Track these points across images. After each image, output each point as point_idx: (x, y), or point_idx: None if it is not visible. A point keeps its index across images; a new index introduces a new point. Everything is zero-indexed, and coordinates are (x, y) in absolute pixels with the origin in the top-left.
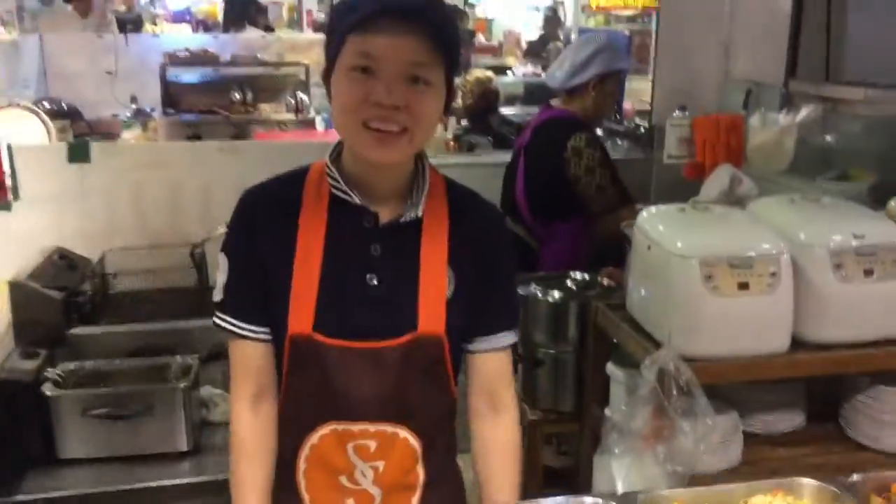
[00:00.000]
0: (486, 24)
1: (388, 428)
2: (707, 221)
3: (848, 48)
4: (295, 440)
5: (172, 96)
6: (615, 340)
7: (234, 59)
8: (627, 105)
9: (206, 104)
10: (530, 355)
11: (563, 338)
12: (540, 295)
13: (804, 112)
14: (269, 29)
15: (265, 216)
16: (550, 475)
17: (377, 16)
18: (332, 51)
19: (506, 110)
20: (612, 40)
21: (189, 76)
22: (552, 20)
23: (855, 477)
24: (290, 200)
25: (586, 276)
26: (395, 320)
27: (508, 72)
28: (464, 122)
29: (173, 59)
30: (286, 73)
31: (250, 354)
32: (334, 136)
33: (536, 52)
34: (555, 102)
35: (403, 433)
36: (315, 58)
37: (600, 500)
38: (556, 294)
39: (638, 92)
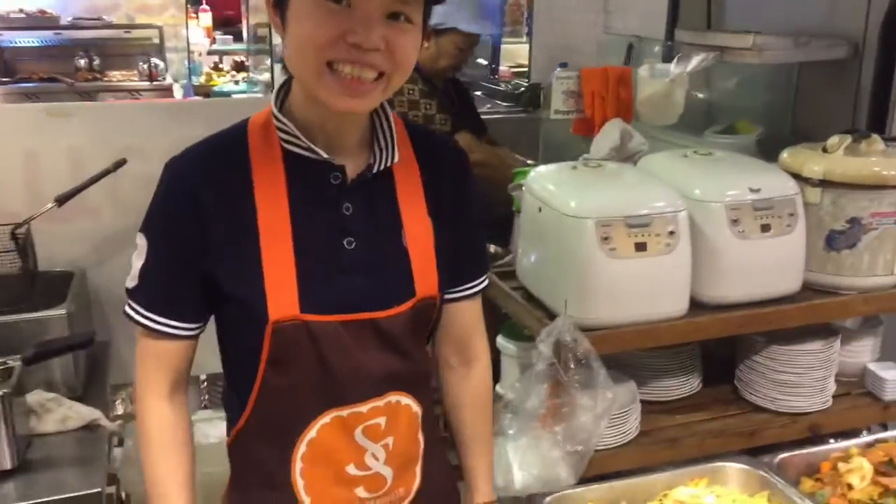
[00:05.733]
0: None
1: (394, 398)
2: (600, 179)
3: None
4: (285, 441)
5: (8, 63)
6: (505, 311)
7: (76, 21)
8: (504, 68)
9: (46, 71)
10: None
11: None
12: None
13: (695, 60)
14: None
15: (210, 192)
16: None
17: None
18: None
19: None
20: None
21: (27, 40)
22: None
23: (782, 456)
24: (236, 167)
25: None
26: (389, 285)
27: None
28: None
29: (4, 21)
30: (137, 37)
31: (165, 351)
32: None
33: None
34: None
35: (406, 400)
36: (169, 19)
37: None
38: None
39: (513, 54)
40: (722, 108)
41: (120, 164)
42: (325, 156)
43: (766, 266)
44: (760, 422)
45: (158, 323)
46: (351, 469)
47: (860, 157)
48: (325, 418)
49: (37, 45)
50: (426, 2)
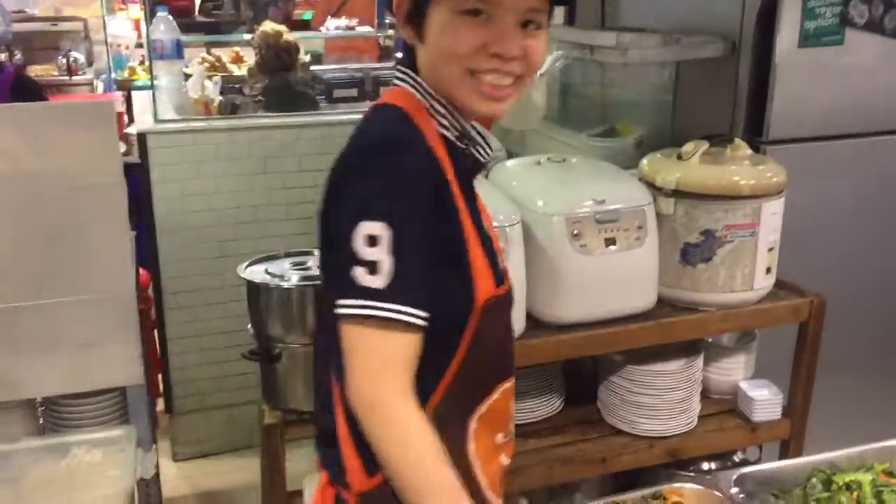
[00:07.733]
0: None
1: None
2: None
3: None
4: (467, 409)
5: None
6: None
7: None
8: None
9: None
10: (266, 350)
11: (300, 328)
12: (271, 281)
13: (548, 61)
14: None
15: (441, 178)
16: None
17: None
18: None
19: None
20: None
21: None
22: None
23: None
24: (435, 151)
25: None
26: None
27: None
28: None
29: None
30: (63, 30)
31: (412, 345)
32: None
33: None
34: None
35: None
36: (97, 10)
37: None
38: (295, 278)
39: None
40: (614, 106)
41: None
42: (490, 154)
43: (613, 283)
44: (616, 447)
45: (417, 317)
46: (499, 438)
47: (718, 164)
48: (506, 384)
49: None
50: (551, 5)
